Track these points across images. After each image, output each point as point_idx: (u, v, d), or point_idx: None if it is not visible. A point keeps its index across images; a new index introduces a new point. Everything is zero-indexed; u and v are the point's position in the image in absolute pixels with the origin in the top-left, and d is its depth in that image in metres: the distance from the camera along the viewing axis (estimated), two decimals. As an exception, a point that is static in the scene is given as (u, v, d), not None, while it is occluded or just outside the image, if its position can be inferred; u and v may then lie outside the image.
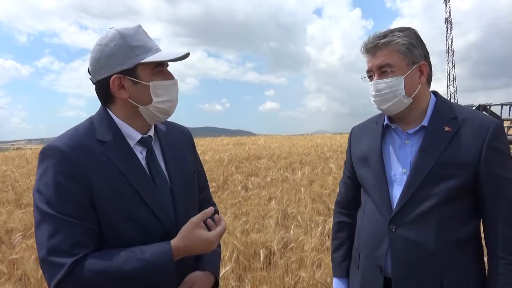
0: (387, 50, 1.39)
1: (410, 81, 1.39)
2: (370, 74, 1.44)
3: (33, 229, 4.43)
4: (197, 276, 1.31)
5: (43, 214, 1.09)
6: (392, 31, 1.41)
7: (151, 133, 1.30)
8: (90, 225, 1.12)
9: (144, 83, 1.20)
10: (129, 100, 1.21)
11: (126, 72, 1.19)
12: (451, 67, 66.22)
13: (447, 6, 67.29)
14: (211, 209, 1.22)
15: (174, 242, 1.16)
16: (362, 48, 1.45)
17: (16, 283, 3.11)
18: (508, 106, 12.04)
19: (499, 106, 12.23)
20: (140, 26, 1.25)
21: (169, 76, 1.26)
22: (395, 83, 1.38)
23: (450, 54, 66.27)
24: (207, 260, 1.37)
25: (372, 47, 1.41)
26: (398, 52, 1.38)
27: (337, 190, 5.11)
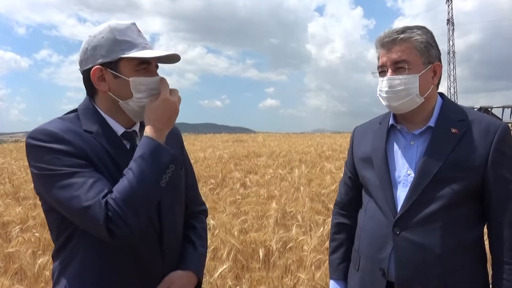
0: (404, 46, 1.36)
1: (424, 81, 1.37)
2: (383, 69, 1.41)
3: (29, 222, 4.44)
4: (177, 275, 1.31)
5: (62, 175, 1.10)
6: (410, 27, 1.38)
7: (136, 128, 1.31)
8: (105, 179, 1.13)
9: (124, 77, 1.20)
10: (109, 93, 1.22)
11: (108, 65, 1.20)
12: (452, 68, 66.26)
13: (449, 7, 67.25)
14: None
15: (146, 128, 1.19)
16: (377, 43, 1.42)
17: (12, 277, 3.08)
18: (510, 109, 12.07)
19: (501, 109, 12.26)
20: (134, 24, 1.26)
21: (154, 75, 1.25)
22: (410, 81, 1.35)
23: (451, 55, 66.30)
24: (190, 260, 1.37)
25: (389, 42, 1.38)
26: (416, 50, 1.36)
27: (337, 189, 5.06)
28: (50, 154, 1.12)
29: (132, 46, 1.22)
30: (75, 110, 1.28)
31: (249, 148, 13.82)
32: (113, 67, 1.21)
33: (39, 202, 5.20)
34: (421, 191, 1.33)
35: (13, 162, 11.03)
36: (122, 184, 1.10)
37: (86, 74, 1.24)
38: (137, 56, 1.20)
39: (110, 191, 1.10)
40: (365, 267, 1.46)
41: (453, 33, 66.90)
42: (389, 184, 1.40)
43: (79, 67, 1.27)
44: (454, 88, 65.99)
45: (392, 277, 1.36)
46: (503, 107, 12.27)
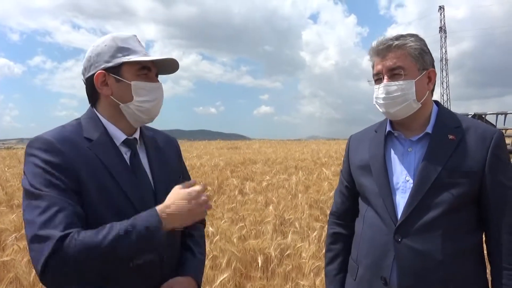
0: (399, 53, 1.38)
1: (420, 86, 1.39)
2: (379, 77, 1.42)
3: (24, 230, 4.34)
4: (176, 281, 1.30)
5: (33, 195, 1.10)
6: (403, 35, 1.41)
7: (137, 136, 1.34)
8: (78, 208, 1.12)
9: (126, 81, 1.25)
10: (111, 97, 1.26)
11: (111, 70, 1.25)
12: (445, 75, 66.88)
13: (442, 15, 68.08)
14: (193, 181, 1.27)
15: (160, 205, 1.16)
16: (371, 51, 1.43)
17: (7, 286, 3.02)
18: (504, 116, 12.20)
19: (494, 115, 12.39)
20: (135, 36, 1.33)
21: (154, 81, 1.31)
22: (407, 86, 1.37)
23: (444, 62, 66.97)
24: (188, 265, 1.37)
25: (384, 49, 1.39)
26: (411, 56, 1.38)
27: (332, 195, 5.02)
28: (37, 167, 1.13)
29: (133, 52, 1.27)
30: (78, 119, 1.32)
31: (245, 155, 13.80)
32: (116, 71, 1.25)
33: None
34: (421, 198, 1.33)
35: (6, 169, 10.92)
36: (96, 234, 1.06)
37: (89, 81, 1.28)
38: (139, 59, 1.25)
39: (75, 225, 1.07)
40: (363, 277, 1.44)
41: (445, 40, 67.68)
42: (389, 190, 1.40)
43: (82, 77, 1.32)
44: (447, 95, 66.59)
45: (394, 285, 1.35)
46: (497, 114, 12.36)
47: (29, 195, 1.12)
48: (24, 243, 3.69)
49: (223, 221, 4.42)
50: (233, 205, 5.54)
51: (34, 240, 1.05)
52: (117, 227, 1.08)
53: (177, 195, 1.18)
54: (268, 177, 7.78)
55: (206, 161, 10.84)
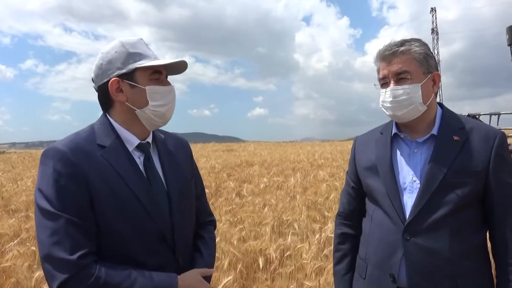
0: (404, 58, 1.42)
1: (425, 90, 1.43)
2: (385, 81, 1.46)
3: (23, 235, 4.35)
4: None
5: (44, 212, 1.13)
6: (408, 40, 1.45)
7: (149, 139, 1.36)
8: (89, 225, 1.15)
9: (141, 87, 1.26)
10: (127, 103, 1.27)
11: (125, 76, 1.26)
12: (437, 76, 67.17)
13: (434, 17, 68.53)
14: (211, 270, 1.39)
15: (180, 275, 1.24)
16: (377, 56, 1.48)
17: (9, 292, 3.01)
18: (497, 116, 12.33)
19: (488, 116, 12.52)
20: (141, 39, 1.34)
21: (166, 84, 1.32)
22: (413, 90, 1.41)
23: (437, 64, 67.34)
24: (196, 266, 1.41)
25: (390, 54, 1.43)
26: (415, 61, 1.42)
27: (332, 197, 5.01)
28: (50, 178, 1.15)
29: (144, 57, 1.28)
30: (92, 125, 1.33)
31: (241, 157, 13.79)
32: (130, 78, 1.26)
33: (31, 215, 5.14)
34: (428, 197, 1.37)
35: (1, 174, 10.84)
36: (121, 280, 1.13)
37: (102, 88, 1.29)
38: (153, 64, 1.26)
39: (83, 246, 1.12)
40: (372, 275, 1.48)
41: (437, 42, 68.16)
42: (396, 191, 1.44)
43: (93, 84, 1.32)
44: (440, 96, 66.98)
45: (403, 282, 1.39)
46: (490, 114, 12.43)
47: (41, 211, 1.14)
48: (24, 248, 3.68)
49: (221, 224, 4.43)
50: (231, 207, 5.55)
51: (47, 261, 1.11)
52: (138, 280, 1.15)
53: (199, 283, 1.29)
54: (265, 179, 7.79)
55: (203, 164, 10.83)
